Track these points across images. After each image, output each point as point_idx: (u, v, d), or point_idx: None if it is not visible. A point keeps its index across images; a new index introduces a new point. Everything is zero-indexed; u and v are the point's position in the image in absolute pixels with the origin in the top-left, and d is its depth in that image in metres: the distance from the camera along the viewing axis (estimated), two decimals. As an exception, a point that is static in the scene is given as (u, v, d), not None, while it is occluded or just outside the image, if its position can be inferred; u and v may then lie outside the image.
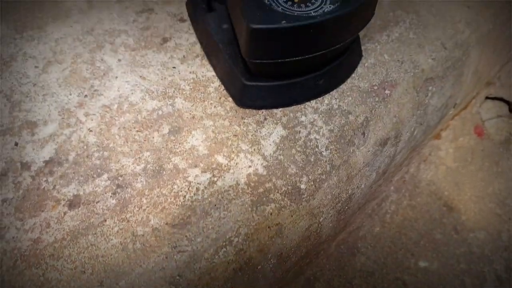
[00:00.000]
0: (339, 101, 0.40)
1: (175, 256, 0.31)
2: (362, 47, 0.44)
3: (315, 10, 0.34)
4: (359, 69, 0.43)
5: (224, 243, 0.33)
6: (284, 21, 0.31)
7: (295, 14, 0.33)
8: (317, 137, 0.38)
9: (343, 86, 0.41)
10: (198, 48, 0.44)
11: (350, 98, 0.40)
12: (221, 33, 0.40)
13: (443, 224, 0.60)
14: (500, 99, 0.73)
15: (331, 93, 0.40)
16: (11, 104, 0.38)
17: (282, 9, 0.34)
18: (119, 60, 0.42)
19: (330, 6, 0.35)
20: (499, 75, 0.73)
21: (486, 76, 0.67)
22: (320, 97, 0.40)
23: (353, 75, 0.42)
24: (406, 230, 0.59)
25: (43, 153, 0.35)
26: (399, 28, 0.47)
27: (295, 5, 0.34)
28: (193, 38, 0.45)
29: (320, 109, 0.39)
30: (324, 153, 0.37)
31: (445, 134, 0.65)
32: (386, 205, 0.60)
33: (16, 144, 0.36)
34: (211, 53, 0.42)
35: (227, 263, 0.33)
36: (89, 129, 0.37)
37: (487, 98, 0.73)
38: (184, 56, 0.43)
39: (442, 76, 0.47)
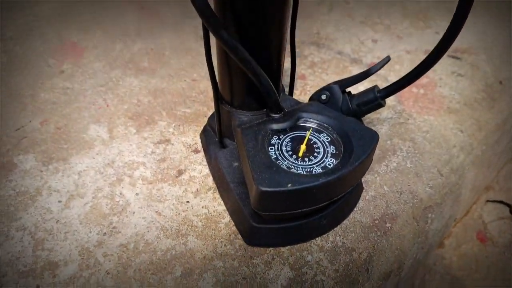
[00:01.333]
0: (343, 238, 0.42)
1: None
2: (363, 179, 0.47)
3: (318, 164, 0.38)
4: (360, 203, 0.45)
5: None
6: (289, 184, 0.34)
7: (300, 171, 0.37)
8: (323, 278, 0.39)
9: (346, 222, 0.44)
10: (210, 180, 0.47)
11: (353, 234, 0.43)
12: (232, 172, 0.44)
13: None
14: (500, 202, 0.75)
15: (335, 229, 0.43)
16: (35, 242, 0.41)
17: (287, 164, 0.37)
18: (137, 194, 0.46)
19: (331, 160, 0.38)
20: (497, 179, 0.76)
21: (484, 185, 0.70)
22: (325, 234, 0.42)
23: (355, 209, 0.45)
24: None
25: (62, 297, 0.37)
26: (396, 158, 0.51)
27: (299, 159, 0.38)
28: (206, 169, 0.48)
29: (325, 247, 0.41)
30: (330, 294, 0.39)
31: (448, 242, 0.66)
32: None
33: (38, 286, 0.38)
34: (222, 189, 0.45)
35: None
36: (106, 271, 0.39)
37: (487, 201, 0.75)
38: (197, 189, 0.46)
39: (441, 202, 0.50)
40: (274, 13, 0.36)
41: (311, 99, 0.50)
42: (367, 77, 0.47)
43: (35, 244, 0.41)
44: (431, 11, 0.82)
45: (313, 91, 0.59)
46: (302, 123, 0.42)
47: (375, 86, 0.46)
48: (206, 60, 0.38)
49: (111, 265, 0.39)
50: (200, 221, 0.43)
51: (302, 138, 0.40)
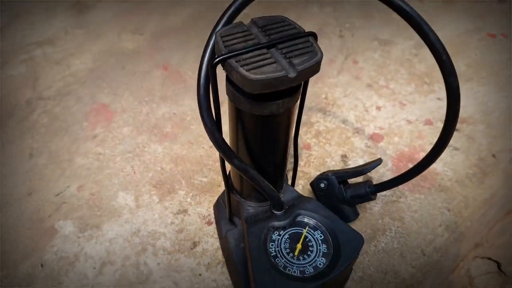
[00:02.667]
0: (330, 317, 0.49)
1: None
2: (353, 260, 0.54)
3: (310, 263, 0.45)
4: (348, 283, 0.52)
5: None
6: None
7: (294, 271, 0.44)
8: None
9: (334, 301, 0.51)
10: (220, 254, 0.55)
11: (340, 314, 0.50)
12: (240, 253, 0.51)
13: None
14: (489, 259, 0.81)
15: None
16: (74, 307, 0.50)
17: (284, 262, 0.44)
18: (158, 264, 0.54)
19: (322, 259, 0.45)
20: (486, 237, 0.81)
21: (472, 243, 0.76)
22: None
23: (343, 289, 0.52)
24: None
25: None
26: (385, 238, 0.57)
27: (294, 258, 0.45)
28: (217, 243, 0.56)
29: (314, 326, 0.49)
30: None
31: (434, 301, 0.72)
32: None
33: None
34: (229, 266, 0.53)
35: None
36: (131, 338, 0.47)
37: (476, 257, 0.81)
38: (208, 263, 0.54)
39: (422, 280, 0.56)
40: (279, 139, 0.43)
41: (311, 185, 0.57)
42: (360, 175, 0.53)
43: (74, 309, 0.50)
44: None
45: (316, 162, 0.65)
46: (300, 219, 0.48)
47: (368, 182, 0.53)
48: (220, 163, 0.45)
49: (135, 332, 0.48)
50: (210, 295, 0.51)
51: (299, 235, 0.47)
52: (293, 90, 0.36)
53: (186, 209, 0.60)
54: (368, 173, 0.65)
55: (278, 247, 0.46)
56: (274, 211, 0.48)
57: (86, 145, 0.68)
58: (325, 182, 0.55)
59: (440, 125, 0.73)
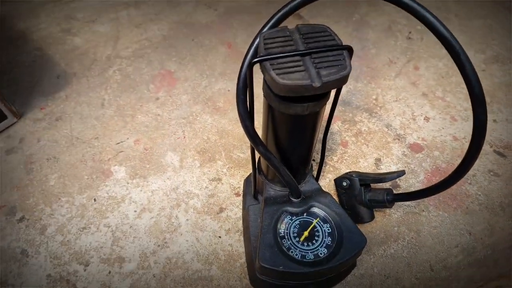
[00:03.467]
0: (324, 302, 0.54)
1: None
2: (359, 257, 0.58)
3: (312, 250, 0.50)
4: (349, 277, 0.56)
5: None
6: (281, 267, 0.47)
7: (296, 254, 0.49)
8: (298, 328, 0.52)
9: (331, 290, 0.55)
10: (240, 224, 0.62)
11: (334, 302, 0.55)
12: (255, 227, 0.57)
13: None
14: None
15: (320, 293, 0.55)
16: (113, 238, 0.60)
17: (290, 244, 0.50)
18: (187, 220, 0.62)
19: (324, 250, 0.50)
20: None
21: (495, 273, 0.74)
22: (312, 295, 0.55)
23: (343, 281, 0.56)
24: None
25: (123, 284, 0.56)
26: (396, 245, 0.60)
27: (299, 242, 0.50)
28: (240, 213, 0.63)
29: (308, 305, 0.54)
30: None
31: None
32: None
33: (109, 272, 0.57)
34: (245, 236, 0.59)
35: None
36: (153, 275, 0.56)
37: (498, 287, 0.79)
38: (229, 228, 0.61)
39: (424, 293, 0.58)
40: (304, 136, 0.47)
41: (335, 181, 0.61)
42: (380, 182, 0.56)
43: (113, 240, 0.60)
44: (502, 89, 0.83)
45: (349, 160, 0.69)
46: (314, 210, 0.53)
47: (388, 190, 0.55)
48: (251, 146, 0.51)
49: (157, 271, 0.57)
50: (224, 255, 0.58)
51: (309, 224, 0.51)
52: (319, 96, 0.40)
53: (221, 178, 0.67)
54: (397, 181, 0.67)
55: (287, 230, 0.51)
56: (291, 198, 0.53)
57: (149, 105, 0.78)
58: (348, 181, 0.58)
59: (487, 149, 0.72)
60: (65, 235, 0.60)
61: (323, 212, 0.52)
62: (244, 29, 0.95)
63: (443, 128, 0.75)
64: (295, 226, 0.51)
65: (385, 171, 0.67)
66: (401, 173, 0.55)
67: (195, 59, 0.87)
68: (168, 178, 0.67)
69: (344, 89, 0.81)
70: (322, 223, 0.52)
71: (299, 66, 0.37)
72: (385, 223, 0.62)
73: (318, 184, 0.56)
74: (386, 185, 0.65)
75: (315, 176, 0.61)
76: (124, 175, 0.67)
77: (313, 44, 0.39)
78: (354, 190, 0.57)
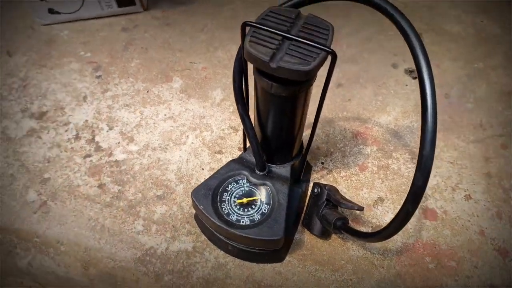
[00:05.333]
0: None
1: None
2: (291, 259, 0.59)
3: (239, 215, 0.54)
4: (267, 268, 0.59)
5: None
6: (202, 207, 0.53)
7: (225, 208, 0.54)
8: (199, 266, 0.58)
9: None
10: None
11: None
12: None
13: None
14: None
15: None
16: (138, 124, 0.74)
17: (227, 199, 0.55)
18: (192, 142, 0.72)
19: (247, 221, 0.53)
20: None
21: None
22: (235, 258, 0.59)
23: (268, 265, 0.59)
24: None
25: (121, 157, 0.69)
26: (330, 274, 0.58)
27: (235, 203, 0.55)
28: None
29: (216, 261, 0.59)
30: None
31: None
32: None
33: (119, 142, 0.71)
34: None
35: None
36: (141, 162, 0.69)
37: None
38: (214, 168, 0.68)
39: None
40: (280, 120, 0.50)
41: (313, 184, 0.61)
42: (339, 205, 0.55)
43: (137, 125, 0.74)
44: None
45: (353, 183, 0.67)
46: (265, 188, 0.56)
47: (344, 218, 0.54)
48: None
49: (145, 162, 0.69)
50: (195, 183, 0.66)
51: (253, 195, 0.55)
52: (284, 81, 0.42)
53: (238, 130, 0.74)
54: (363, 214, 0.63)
55: (234, 188, 0.56)
56: (255, 168, 0.57)
57: (233, 47, 0.87)
58: (319, 190, 0.58)
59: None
60: (115, 103, 0.77)
61: (271, 194, 0.55)
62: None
63: (477, 215, 0.65)
64: (242, 190, 0.56)
65: (357, 202, 0.63)
66: (360, 208, 0.53)
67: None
68: (203, 107, 0.77)
69: (408, 122, 0.76)
70: (263, 202, 0.55)
71: (273, 44, 0.40)
72: (338, 250, 0.60)
73: (289, 176, 0.58)
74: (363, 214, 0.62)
75: (301, 169, 0.62)
76: (178, 87, 0.80)
77: (303, 34, 0.41)
78: (318, 200, 0.58)
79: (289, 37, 0.40)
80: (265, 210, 0.54)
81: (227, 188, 0.56)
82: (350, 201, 0.55)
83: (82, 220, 0.62)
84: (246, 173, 0.57)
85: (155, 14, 0.94)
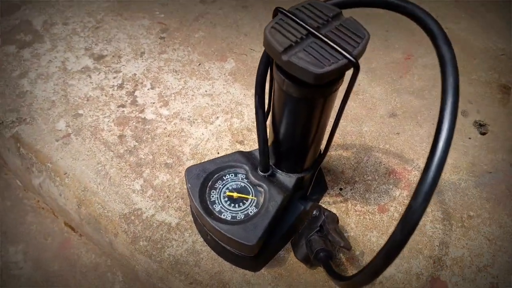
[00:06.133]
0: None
1: None
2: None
3: (223, 208, 0.51)
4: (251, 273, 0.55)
5: None
6: (189, 185, 0.51)
7: (213, 197, 0.51)
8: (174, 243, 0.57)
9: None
10: (237, 161, 0.66)
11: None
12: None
13: None
14: None
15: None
16: (178, 91, 0.74)
17: (219, 187, 0.53)
18: (219, 125, 0.70)
19: (229, 216, 0.50)
20: None
21: None
22: (212, 250, 0.57)
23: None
24: None
25: (136, 119, 0.71)
26: (300, 304, 0.53)
27: (223, 195, 0.52)
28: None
29: (190, 248, 0.57)
30: None
31: None
32: None
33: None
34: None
35: None
36: (164, 127, 0.69)
37: None
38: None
39: None
40: (293, 122, 0.46)
41: (316, 205, 0.56)
42: (325, 237, 0.49)
43: (178, 92, 0.74)
44: None
45: (364, 222, 0.62)
46: (260, 190, 0.52)
47: (328, 251, 0.49)
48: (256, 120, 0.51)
49: (160, 131, 0.69)
50: (204, 164, 0.65)
51: (245, 193, 0.52)
52: (296, 80, 0.38)
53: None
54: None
55: (229, 180, 0.54)
56: (258, 167, 0.53)
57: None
58: (317, 213, 0.53)
59: None
60: (166, 66, 0.79)
61: (263, 199, 0.52)
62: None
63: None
64: (237, 184, 0.53)
65: (363, 244, 0.56)
66: (347, 246, 0.47)
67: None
68: (244, 94, 0.75)
69: (455, 178, 0.66)
70: (253, 203, 0.52)
71: (295, 37, 0.36)
72: (318, 284, 0.54)
73: (292, 187, 0.53)
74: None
75: (311, 180, 0.57)
76: (228, 68, 0.79)
77: (331, 35, 0.37)
78: (313, 223, 0.53)
79: (314, 33, 0.36)
80: (251, 212, 0.51)
81: (223, 177, 0.54)
82: (341, 236, 0.49)
83: (92, 161, 0.64)
84: (247, 168, 0.54)
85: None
